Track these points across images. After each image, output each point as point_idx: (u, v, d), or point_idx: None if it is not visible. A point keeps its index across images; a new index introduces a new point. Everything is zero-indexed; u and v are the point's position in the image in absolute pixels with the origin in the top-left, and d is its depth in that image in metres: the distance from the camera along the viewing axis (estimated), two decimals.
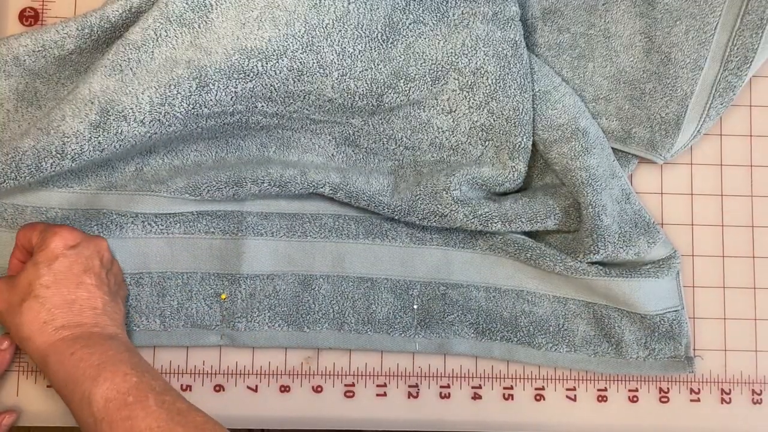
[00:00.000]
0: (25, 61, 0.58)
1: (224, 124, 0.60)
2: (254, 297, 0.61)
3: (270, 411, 0.62)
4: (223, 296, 0.61)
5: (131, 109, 0.54)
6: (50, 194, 0.60)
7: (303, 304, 0.61)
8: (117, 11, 0.57)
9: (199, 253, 0.61)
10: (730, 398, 0.63)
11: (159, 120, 0.55)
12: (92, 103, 0.54)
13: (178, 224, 0.61)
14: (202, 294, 0.61)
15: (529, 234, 0.63)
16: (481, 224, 0.60)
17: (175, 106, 0.55)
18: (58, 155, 0.55)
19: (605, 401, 0.63)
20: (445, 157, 0.62)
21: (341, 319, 0.61)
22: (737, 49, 0.61)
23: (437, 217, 0.60)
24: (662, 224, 0.65)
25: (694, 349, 0.63)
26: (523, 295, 0.62)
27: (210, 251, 0.61)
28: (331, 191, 0.60)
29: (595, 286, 0.60)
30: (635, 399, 0.63)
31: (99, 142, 0.55)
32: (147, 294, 0.60)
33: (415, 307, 0.62)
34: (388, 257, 0.62)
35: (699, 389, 0.63)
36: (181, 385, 0.62)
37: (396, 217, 0.61)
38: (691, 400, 0.63)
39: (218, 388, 0.62)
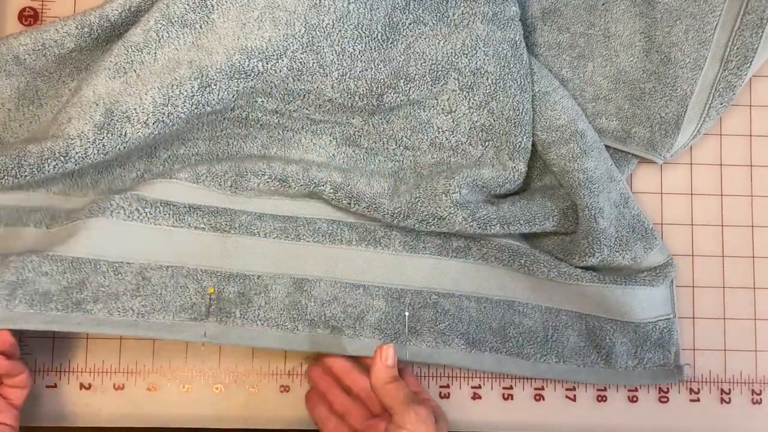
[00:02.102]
0: (25, 60, 0.58)
1: (224, 118, 0.60)
2: (244, 295, 0.59)
3: (270, 411, 0.62)
4: (211, 290, 0.59)
5: (135, 110, 0.54)
6: (47, 197, 0.59)
7: (295, 305, 0.60)
8: (116, 10, 0.57)
9: (186, 247, 0.59)
10: (729, 398, 0.63)
11: (162, 121, 0.55)
12: (96, 104, 0.54)
13: (167, 215, 0.58)
14: (188, 289, 0.58)
15: (526, 236, 0.63)
16: (479, 227, 0.59)
17: (178, 106, 0.55)
18: (62, 157, 0.54)
19: (605, 401, 0.63)
20: (445, 158, 0.61)
21: (333, 322, 0.60)
22: (737, 48, 0.61)
23: (436, 219, 0.59)
24: (662, 224, 0.65)
25: (694, 350, 0.63)
26: (514, 306, 0.62)
27: (197, 246, 0.59)
28: (332, 190, 0.59)
29: (589, 292, 0.60)
30: (635, 399, 0.63)
31: (103, 145, 0.55)
32: (127, 282, 0.57)
33: (407, 314, 0.61)
34: (381, 264, 0.61)
35: (698, 389, 0.63)
36: (181, 385, 0.62)
37: (395, 222, 0.60)
38: (691, 400, 0.63)
39: (218, 388, 0.62)
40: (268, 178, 0.59)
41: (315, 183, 0.59)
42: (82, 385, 0.61)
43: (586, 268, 0.61)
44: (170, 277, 0.58)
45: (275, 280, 0.60)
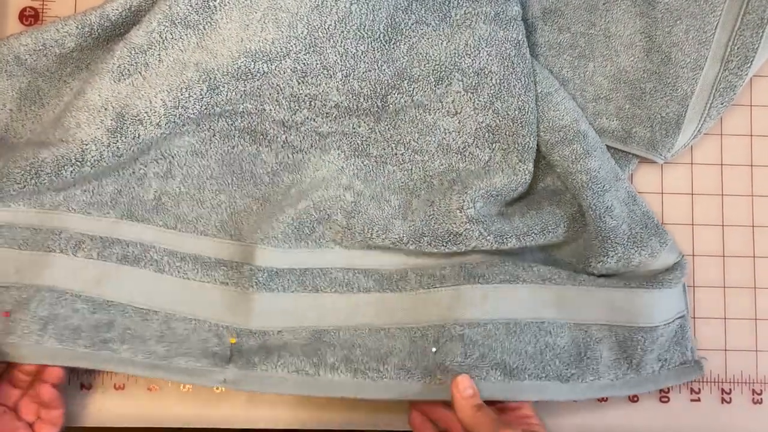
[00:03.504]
0: (26, 60, 0.58)
1: (234, 128, 0.60)
2: (264, 347, 0.59)
3: (271, 411, 0.62)
4: (233, 340, 0.59)
5: (146, 113, 0.55)
6: (68, 216, 0.58)
7: (315, 352, 0.58)
8: (117, 10, 0.57)
9: (211, 302, 0.59)
10: (730, 398, 0.63)
11: (174, 122, 0.56)
12: (106, 109, 0.54)
13: (196, 270, 0.59)
14: (210, 341, 0.58)
15: (542, 251, 0.63)
16: (496, 241, 0.58)
17: (188, 108, 0.55)
18: (78, 162, 0.55)
19: (605, 401, 0.63)
20: (453, 163, 0.61)
21: (355, 366, 0.58)
22: (737, 48, 0.61)
23: (452, 236, 0.58)
24: (662, 224, 0.65)
25: (696, 349, 0.63)
26: (544, 327, 0.60)
27: (221, 302, 0.59)
28: (344, 218, 0.59)
29: (617, 298, 0.59)
30: (635, 399, 0.63)
31: (117, 147, 0.55)
32: (153, 329, 0.58)
33: (434, 350, 0.59)
34: (400, 305, 0.60)
35: (699, 389, 0.63)
36: (181, 385, 0.62)
37: (409, 245, 0.59)
38: (692, 400, 0.63)
39: (219, 387, 0.62)
40: (282, 222, 0.59)
41: (327, 214, 0.59)
42: (82, 385, 0.61)
43: (609, 277, 0.61)
44: (193, 330, 0.59)
45: (294, 334, 0.59)
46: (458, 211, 0.58)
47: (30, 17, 0.64)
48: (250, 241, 0.60)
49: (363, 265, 0.61)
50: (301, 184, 0.61)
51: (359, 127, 0.61)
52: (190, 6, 0.55)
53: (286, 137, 0.60)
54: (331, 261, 0.61)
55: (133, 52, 0.55)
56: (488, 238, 0.58)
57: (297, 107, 0.59)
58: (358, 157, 0.62)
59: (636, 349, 0.60)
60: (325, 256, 0.61)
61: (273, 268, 0.59)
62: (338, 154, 0.61)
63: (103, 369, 0.58)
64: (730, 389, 0.63)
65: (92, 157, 0.55)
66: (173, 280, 0.59)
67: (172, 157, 0.60)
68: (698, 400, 0.63)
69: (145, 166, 0.60)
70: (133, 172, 0.60)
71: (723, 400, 0.63)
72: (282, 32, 0.55)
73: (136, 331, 0.58)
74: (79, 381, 0.61)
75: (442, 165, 0.61)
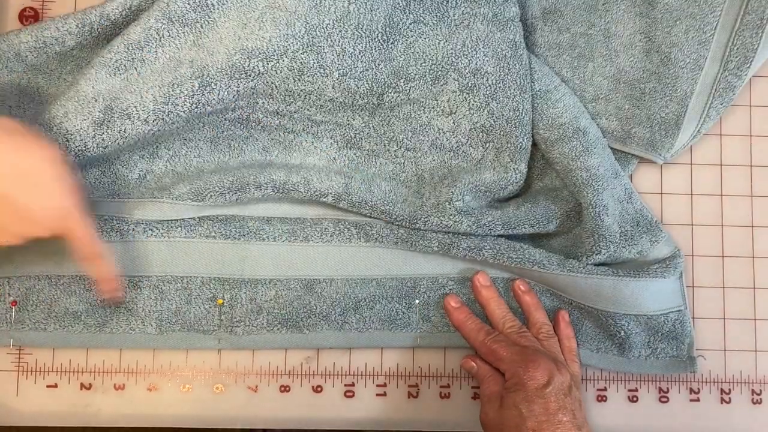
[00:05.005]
0: (27, 57, 0.58)
1: (225, 119, 0.60)
2: (254, 301, 0.61)
3: (270, 411, 0.62)
4: (220, 301, 0.61)
5: (135, 107, 0.55)
6: None
7: (304, 307, 0.61)
8: (117, 9, 0.57)
9: (200, 257, 0.61)
10: (729, 398, 0.63)
11: (162, 119, 0.55)
12: (96, 100, 0.54)
13: (180, 228, 0.60)
14: (201, 298, 0.60)
15: (531, 239, 0.63)
16: (484, 233, 0.60)
17: (178, 105, 0.55)
18: (62, 151, 0.54)
19: (605, 401, 0.63)
20: (446, 159, 0.61)
21: (342, 319, 0.61)
22: (737, 49, 0.61)
23: (442, 227, 0.60)
24: (662, 224, 0.65)
25: (696, 350, 0.63)
26: (532, 286, 0.62)
27: (210, 255, 0.61)
28: (333, 200, 0.60)
29: (603, 286, 0.60)
30: (635, 399, 0.63)
31: (102, 139, 0.55)
32: (145, 297, 0.60)
33: (417, 302, 0.62)
34: (391, 257, 0.62)
35: (699, 389, 0.63)
36: (181, 385, 0.62)
37: (400, 225, 0.61)
38: (691, 400, 0.63)
39: (218, 387, 0.62)
40: (271, 190, 0.60)
41: (317, 195, 0.60)
42: (82, 385, 0.61)
43: (597, 264, 0.61)
44: (184, 289, 0.60)
45: (286, 284, 0.61)
46: (447, 203, 0.59)
47: (30, 17, 0.64)
48: (234, 203, 0.61)
49: (354, 217, 0.62)
50: (290, 161, 0.62)
51: (353, 120, 0.61)
52: (188, 4, 0.55)
53: (279, 122, 0.61)
54: (322, 211, 0.63)
55: (130, 47, 0.55)
56: (477, 231, 0.59)
57: (291, 100, 0.59)
58: (350, 149, 0.62)
59: (619, 332, 0.61)
60: (316, 206, 0.62)
61: (263, 216, 0.62)
62: (331, 143, 0.62)
63: (105, 347, 0.61)
64: (730, 389, 0.63)
65: (76, 147, 0.55)
66: (158, 242, 0.60)
67: (160, 142, 0.60)
68: (698, 400, 0.63)
69: (131, 151, 0.60)
70: (118, 156, 0.60)
71: (722, 400, 0.63)
72: (280, 31, 0.55)
73: (130, 303, 0.60)
74: (79, 381, 0.61)
75: (434, 161, 0.62)
